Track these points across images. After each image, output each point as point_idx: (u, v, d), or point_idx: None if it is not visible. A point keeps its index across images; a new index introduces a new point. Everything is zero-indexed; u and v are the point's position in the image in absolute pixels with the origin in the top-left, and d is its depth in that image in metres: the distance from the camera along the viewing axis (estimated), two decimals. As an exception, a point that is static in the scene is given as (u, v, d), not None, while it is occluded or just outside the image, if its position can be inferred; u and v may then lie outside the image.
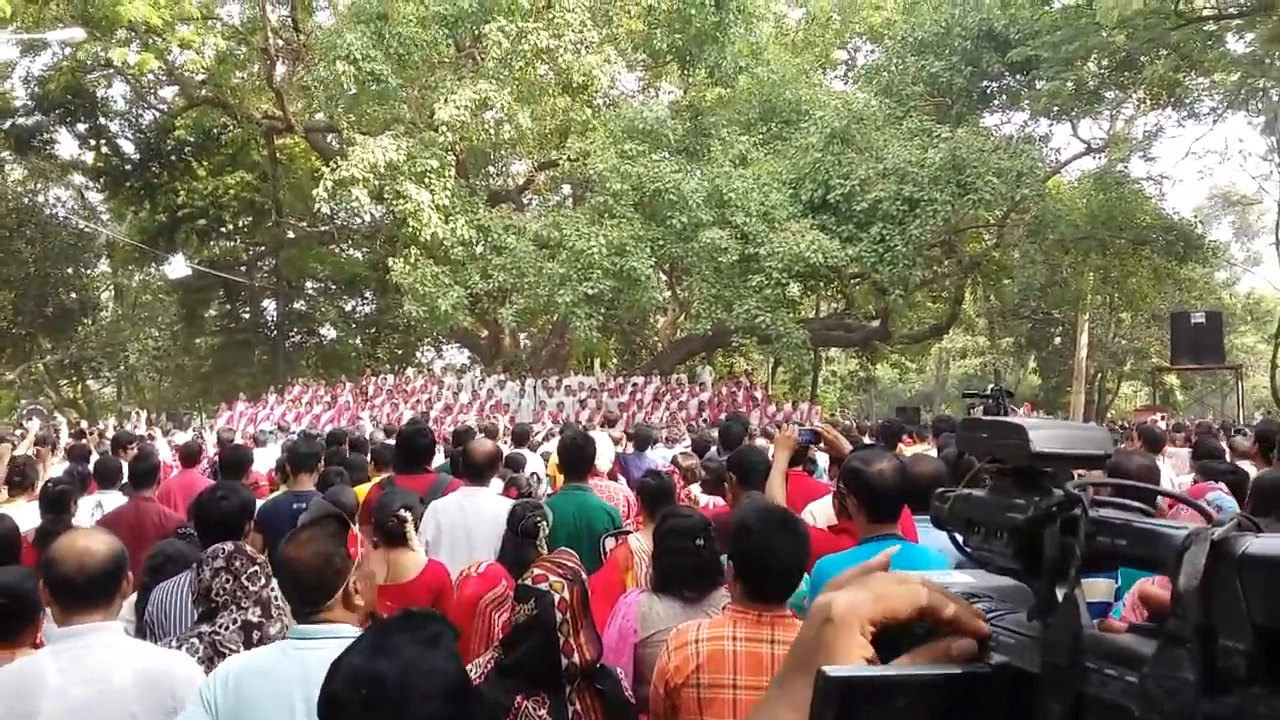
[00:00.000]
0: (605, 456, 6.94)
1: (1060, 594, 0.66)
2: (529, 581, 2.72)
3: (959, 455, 0.94)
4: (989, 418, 0.81)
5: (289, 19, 29.89)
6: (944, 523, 0.82)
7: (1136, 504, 0.70)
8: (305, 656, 2.40)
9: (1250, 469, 6.44)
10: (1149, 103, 28.23)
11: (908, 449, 7.95)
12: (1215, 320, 22.28)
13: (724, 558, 3.34)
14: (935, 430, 9.00)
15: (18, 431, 11.94)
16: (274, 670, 2.42)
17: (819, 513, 4.10)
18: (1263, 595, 0.53)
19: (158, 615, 3.48)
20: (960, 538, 0.79)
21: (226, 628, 3.00)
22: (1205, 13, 23.83)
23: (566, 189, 32.26)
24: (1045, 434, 0.73)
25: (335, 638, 2.42)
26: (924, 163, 22.39)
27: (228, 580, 3.03)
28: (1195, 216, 28.99)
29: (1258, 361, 37.63)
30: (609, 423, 14.54)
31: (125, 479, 6.30)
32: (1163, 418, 18.48)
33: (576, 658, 2.64)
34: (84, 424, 21.54)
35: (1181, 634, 0.56)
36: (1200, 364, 23.26)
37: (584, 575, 2.86)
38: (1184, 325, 21.80)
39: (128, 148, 34.79)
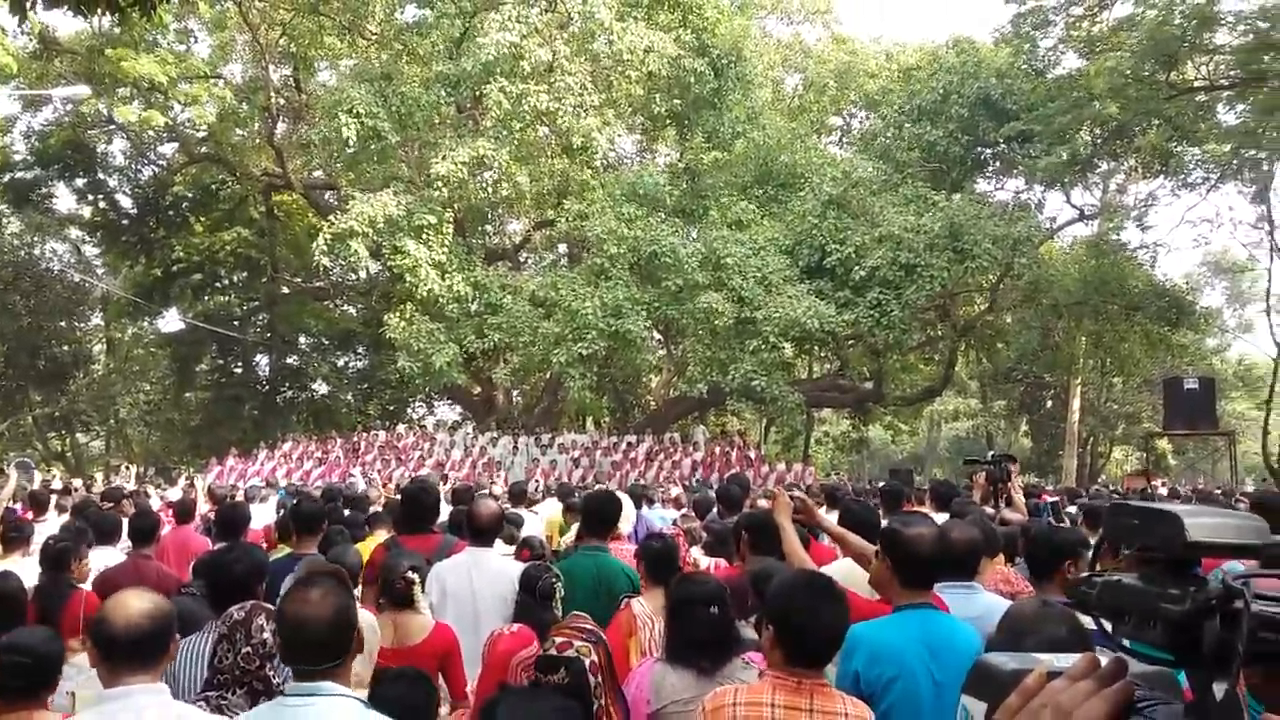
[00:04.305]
0: (627, 519, 6.85)
1: (1220, 690, 0.65)
2: (553, 651, 2.67)
3: (1100, 538, 0.92)
4: (1139, 503, 0.80)
5: (291, 78, 30.24)
6: (1089, 608, 0.81)
7: None
8: (299, 714, 2.37)
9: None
10: (1141, 171, 28.61)
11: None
12: (1208, 386, 22.30)
13: (749, 621, 3.29)
14: (933, 494, 8.96)
15: None
16: None
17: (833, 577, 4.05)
18: None
19: (167, 677, 3.42)
20: (1108, 625, 0.78)
21: (234, 692, 2.95)
22: (1197, 84, 24.25)
23: (563, 248, 32.43)
24: (1201, 523, 0.72)
25: (333, 695, 2.40)
26: (920, 229, 22.60)
27: (228, 654, 2.99)
28: (1187, 283, 29.25)
29: (1249, 427, 37.69)
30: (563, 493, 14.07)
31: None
32: (1161, 484, 18.45)
33: (604, 720, 2.60)
34: (72, 480, 21.35)
35: None
36: (1194, 430, 23.24)
37: (604, 636, 2.83)
38: (1177, 391, 21.80)
39: (125, 203, 35.02)
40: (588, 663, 2.61)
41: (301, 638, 2.46)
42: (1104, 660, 0.76)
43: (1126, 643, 0.76)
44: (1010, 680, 0.78)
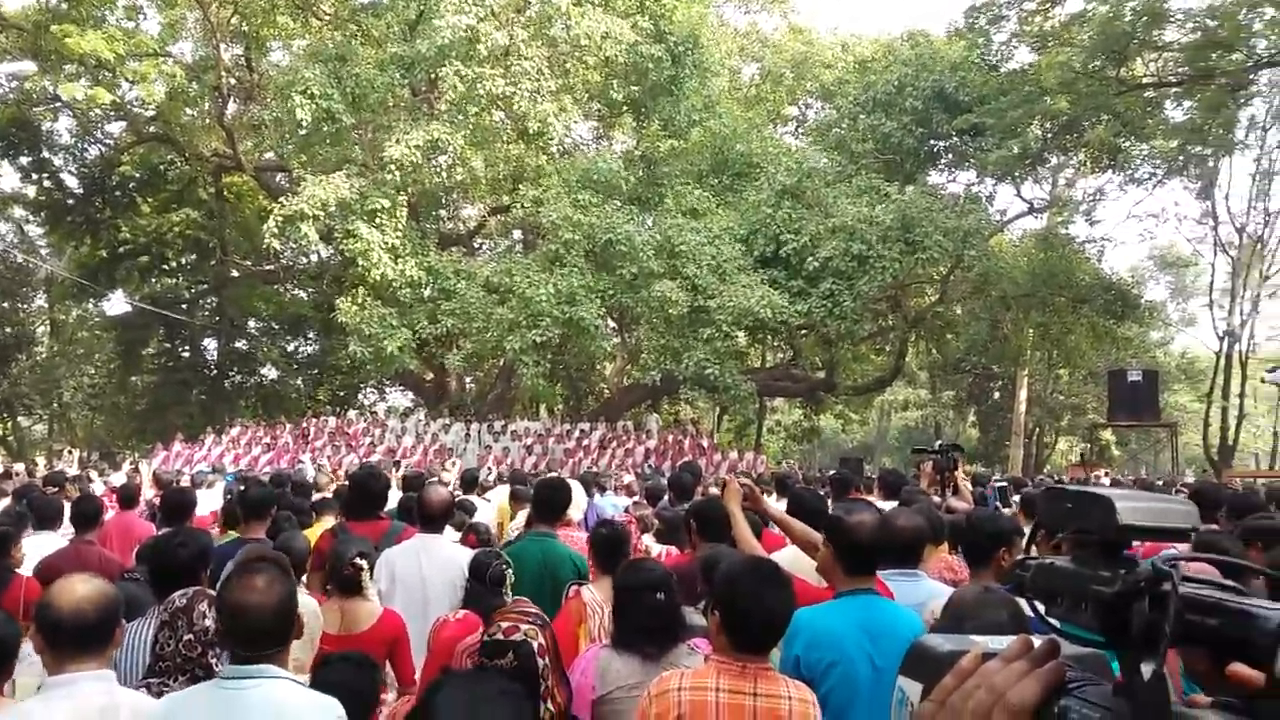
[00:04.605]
0: (579, 506, 6.86)
1: (1147, 670, 0.66)
2: (499, 635, 2.67)
3: (1035, 524, 0.93)
4: (1073, 488, 0.81)
5: (242, 58, 29.74)
6: (1024, 591, 0.83)
7: (1225, 582, 0.70)
8: (239, 695, 2.38)
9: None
10: (1090, 165, 29.05)
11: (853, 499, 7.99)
12: (1152, 378, 22.72)
13: (698, 607, 3.31)
14: (882, 483, 9.06)
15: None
16: (204, 708, 2.38)
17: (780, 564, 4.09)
18: None
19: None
20: (1041, 607, 0.80)
21: (176, 679, 2.93)
22: (1146, 80, 24.64)
23: (518, 234, 32.26)
24: (1132, 506, 0.74)
25: (275, 677, 2.41)
26: (873, 220, 22.77)
27: (170, 641, 2.96)
28: (1132, 277, 29.79)
29: (1191, 419, 38.50)
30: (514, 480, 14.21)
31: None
32: (1105, 474, 18.77)
33: (552, 705, 2.61)
34: (13, 465, 20.93)
35: (1277, 717, 0.56)
36: (1137, 421, 23.67)
37: (548, 620, 2.84)
38: (1121, 383, 22.19)
39: (71, 182, 34.21)
40: (535, 645, 2.62)
41: (244, 624, 2.45)
42: (1037, 642, 0.78)
43: (1059, 625, 0.78)
44: (946, 661, 0.80)
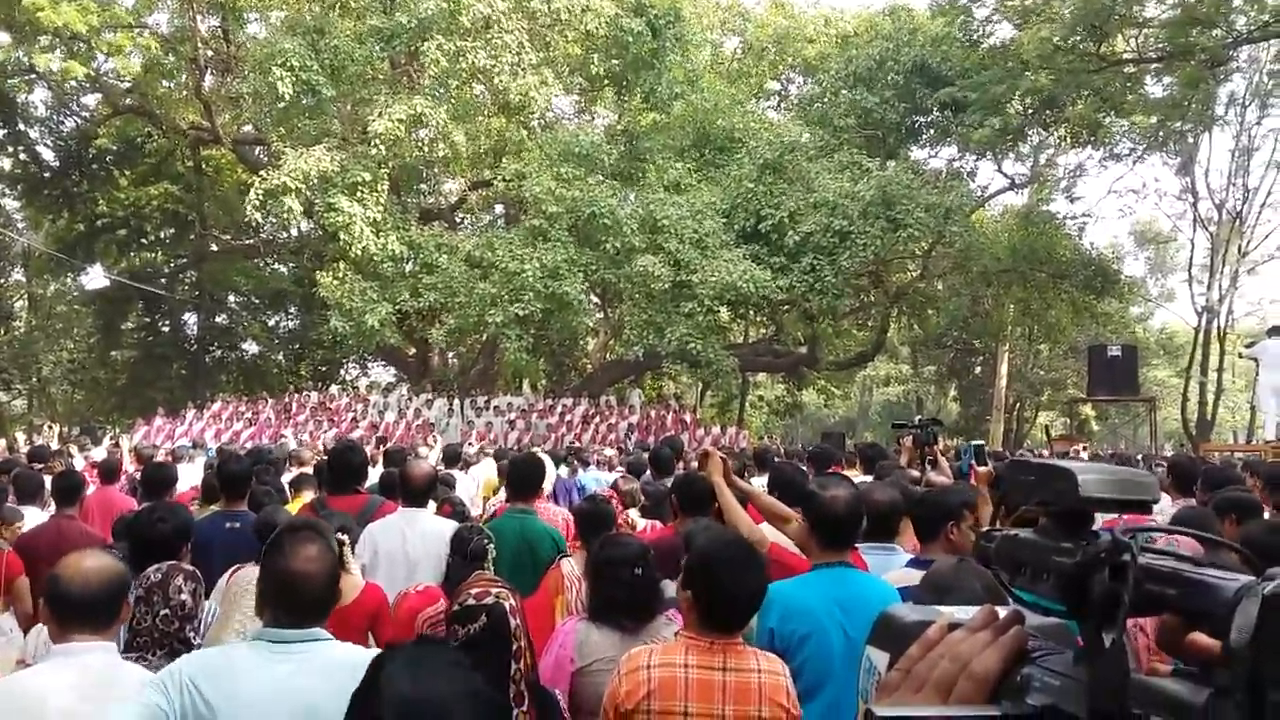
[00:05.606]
0: (548, 479, 6.90)
1: (1108, 639, 0.68)
2: (470, 601, 2.68)
3: (1001, 495, 0.95)
4: (1037, 460, 0.82)
5: (219, 29, 29.38)
6: (989, 561, 0.84)
7: (1185, 553, 0.72)
8: (292, 661, 2.36)
9: (1166, 501, 6.63)
10: (1070, 141, 29.13)
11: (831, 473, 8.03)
12: (1131, 354, 22.86)
13: (669, 583, 3.33)
14: (863, 457, 9.12)
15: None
16: (254, 672, 2.34)
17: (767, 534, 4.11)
18: None
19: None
20: (1006, 577, 0.81)
21: (154, 654, 2.93)
22: (1126, 56, 24.67)
23: (500, 209, 32.12)
24: (1094, 479, 0.75)
25: (318, 640, 2.41)
26: (854, 195, 22.78)
27: (146, 616, 2.96)
28: (1112, 252, 29.94)
29: (1169, 394, 38.83)
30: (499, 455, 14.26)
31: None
32: (1084, 448, 18.92)
33: (522, 665, 2.63)
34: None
35: (1231, 687, 0.58)
36: (1116, 396, 23.84)
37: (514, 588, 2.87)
38: (1101, 358, 22.31)
39: (47, 155, 33.79)
40: (507, 606, 2.64)
41: (295, 593, 2.43)
42: (1003, 613, 0.80)
43: (1023, 595, 0.79)
44: (913, 631, 0.81)
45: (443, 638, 2.03)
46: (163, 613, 2.93)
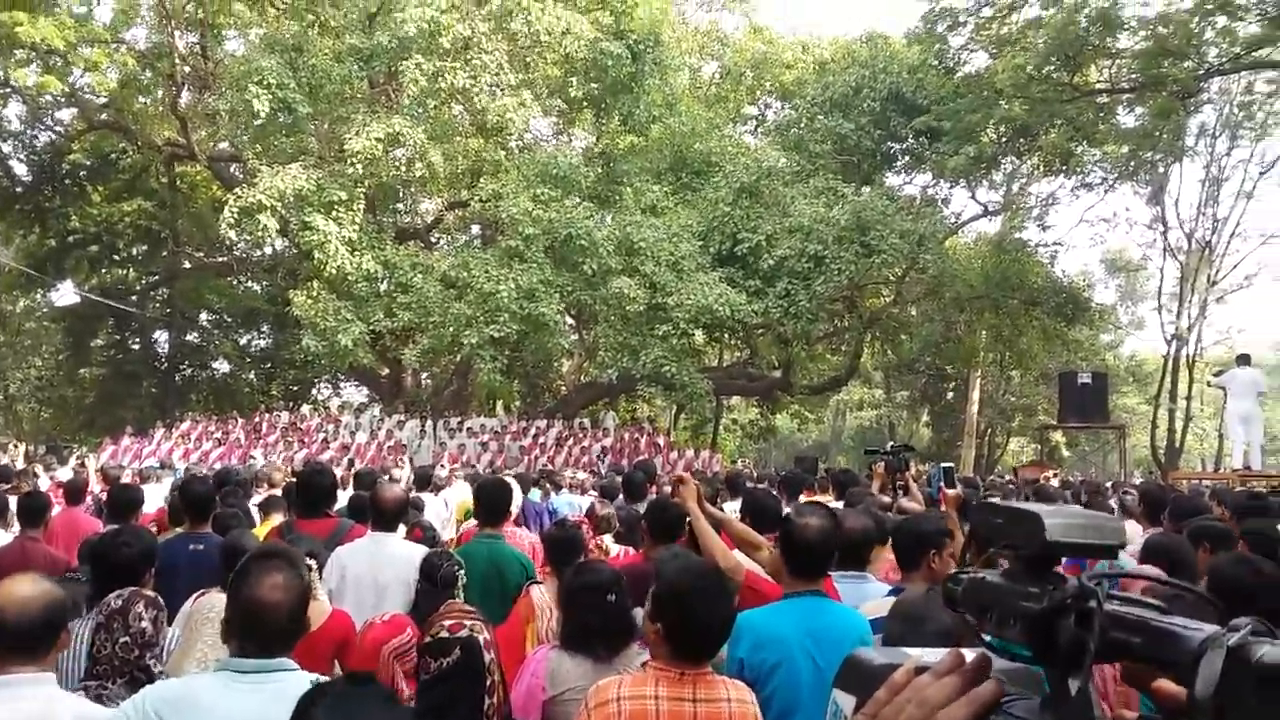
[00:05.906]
0: (515, 502, 6.86)
1: (1074, 686, 0.67)
2: (444, 634, 2.65)
3: (969, 534, 0.94)
4: (1005, 503, 0.82)
5: (198, 46, 29.29)
6: (956, 604, 0.83)
7: (1151, 600, 0.71)
8: (259, 693, 2.30)
9: (1136, 528, 6.67)
10: (1043, 170, 29.45)
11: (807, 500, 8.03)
12: (1101, 381, 23.03)
13: (639, 611, 3.30)
14: (834, 482, 9.14)
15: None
16: (219, 703, 2.30)
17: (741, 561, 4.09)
18: (1276, 705, 0.55)
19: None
20: (973, 620, 0.80)
21: (114, 682, 2.88)
22: (1098, 86, 25.00)
23: (476, 229, 32.07)
24: (1060, 523, 0.74)
25: (284, 670, 2.36)
26: (829, 221, 22.92)
27: (106, 643, 2.90)
28: (1083, 280, 30.24)
29: (1139, 421, 39.16)
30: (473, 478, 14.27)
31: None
32: (1054, 474, 18.98)
33: (495, 699, 2.60)
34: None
35: None
36: (1086, 422, 23.98)
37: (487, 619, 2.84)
38: (1071, 385, 22.46)
39: (20, 169, 33.49)
40: (481, 640, 2.61)
41: (261, 623, 2.39)
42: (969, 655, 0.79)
43: (990, 639, 0.78)
44: (879, 674, 0.80)
45: (373, 673, 2.01)
46: (123, 640, 2.87)
